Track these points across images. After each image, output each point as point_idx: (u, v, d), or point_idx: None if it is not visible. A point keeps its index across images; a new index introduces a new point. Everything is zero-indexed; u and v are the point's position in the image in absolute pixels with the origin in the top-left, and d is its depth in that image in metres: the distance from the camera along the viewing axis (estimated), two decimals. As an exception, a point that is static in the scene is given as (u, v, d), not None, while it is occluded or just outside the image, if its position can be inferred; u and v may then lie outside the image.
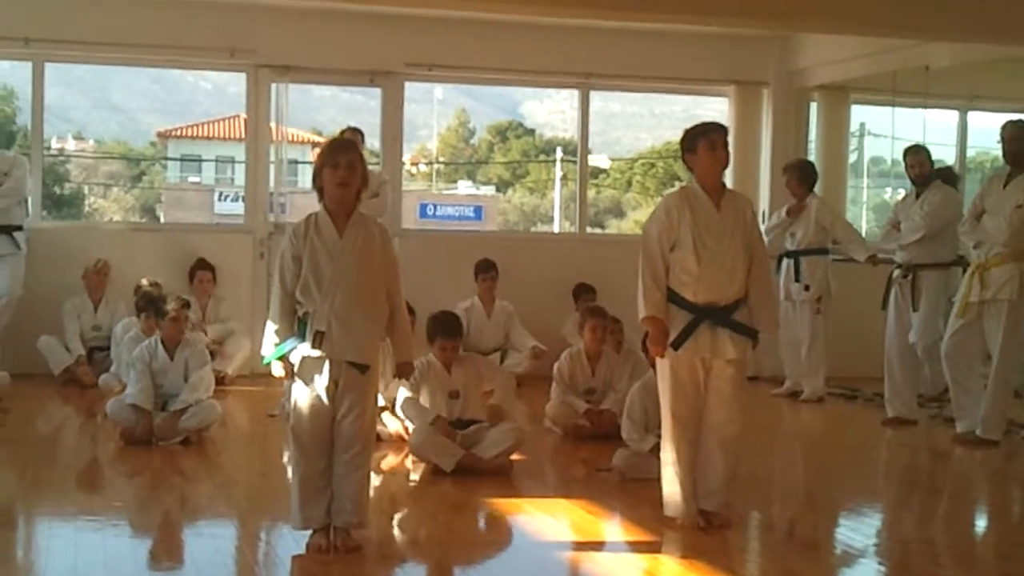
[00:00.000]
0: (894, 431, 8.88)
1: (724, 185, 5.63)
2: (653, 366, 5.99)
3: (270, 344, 5.00)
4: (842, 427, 9.41)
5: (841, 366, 10.38)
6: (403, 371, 5.26)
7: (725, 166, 5.61)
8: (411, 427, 7.17)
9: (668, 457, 5.57)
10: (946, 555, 5.62)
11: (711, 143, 5.52)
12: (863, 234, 11.50)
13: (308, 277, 4.93)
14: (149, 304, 8.77)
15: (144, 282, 9.76)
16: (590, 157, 12.44)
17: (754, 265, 5.56)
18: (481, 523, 5.87)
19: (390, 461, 7.13)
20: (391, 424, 7.56)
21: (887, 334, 9.17)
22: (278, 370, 5.05)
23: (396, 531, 5.74)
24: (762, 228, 6.66)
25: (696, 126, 5.62)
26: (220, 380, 9.27)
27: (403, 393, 7.22)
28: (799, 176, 10.21)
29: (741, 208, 5.60)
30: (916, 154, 9.12)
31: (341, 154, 4.97)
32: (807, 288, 10.07)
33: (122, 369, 8.97)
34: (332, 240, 4.95)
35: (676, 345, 5.46)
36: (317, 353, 4.93)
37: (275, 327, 4.99)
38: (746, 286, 5.53)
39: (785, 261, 10.20)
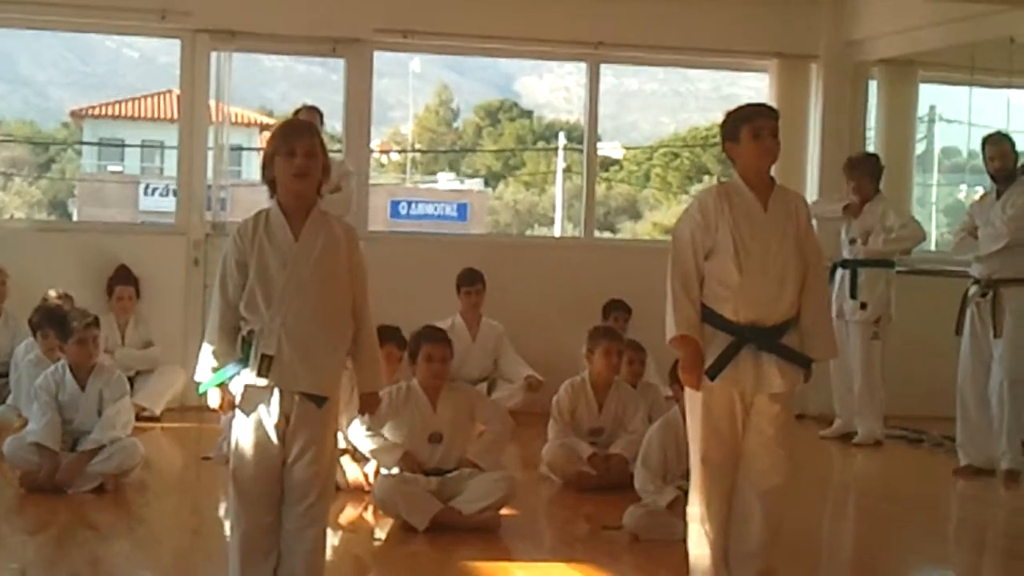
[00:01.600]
0: (967, 482, 8.88)
1: (773, 180, 5.60)
2: (678, 400, 5.95)
3: (206, 368, 4.98)
4: (904, 477, 9.42)
5: (903, 403, 10.37)
6: (367, 405, 5.24)
7: (774, 158, 5.56)
8: (371, 471, 7.15)
9: (696, 512, 5.54)
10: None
11: (756, 130, 5.49)
12: (933, 243, 11.47)
13: (255, 288, 4.90)
14: (48, 322, 8.69)
15: (52, 294, 9.70)
16: (599, 145, 12.45)
17: (809, 278, 5.52)
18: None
19: (349, 514, 7.11)
20: (350, 470, 7.53)
21: (960, 365, 9.16)
22: (215, 400, 5.02)
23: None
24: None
25: (739, 108, 5.60)
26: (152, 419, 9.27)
27: (359, 426, 7.11)
28: (870, 173, 10.20)
29: (794, 208, 5.57)
30: (998, 144, 9.11)
31: (297, 139, 4.94)
32: (863, 307, 10.06)
33: (22, 401, 8.92)
34: (286, 243, 4.93)
35: (712, 374, 5.43)
36: (264, 382, 4.90)
37: (213, 348, 4.97)
38: (798, 303, 5.51)
39: (840, 272, 10.18)
